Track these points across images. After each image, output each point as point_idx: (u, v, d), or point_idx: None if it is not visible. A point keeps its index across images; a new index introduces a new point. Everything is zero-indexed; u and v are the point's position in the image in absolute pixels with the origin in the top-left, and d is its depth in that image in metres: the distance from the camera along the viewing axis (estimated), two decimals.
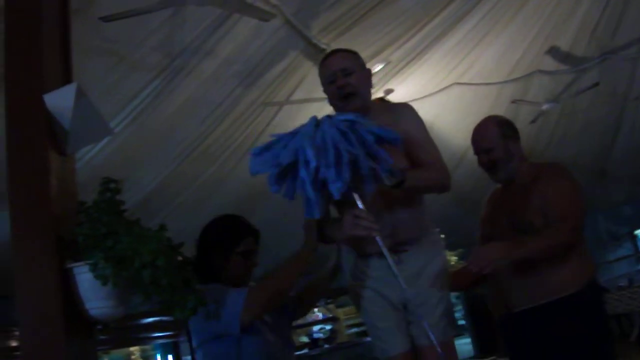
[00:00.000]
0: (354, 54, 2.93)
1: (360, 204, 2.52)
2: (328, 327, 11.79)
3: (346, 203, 2.59)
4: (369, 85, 2.91)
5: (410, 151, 2.78)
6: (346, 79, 2.79)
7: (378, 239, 2.52)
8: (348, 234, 2.57)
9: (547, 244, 2.89)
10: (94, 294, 2.01)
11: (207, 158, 6.84)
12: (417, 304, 2.73)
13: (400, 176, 2.55)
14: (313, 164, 2.27)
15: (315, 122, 2.43)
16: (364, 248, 2.84)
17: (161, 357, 10.38)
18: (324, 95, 2.91)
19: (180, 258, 2.12)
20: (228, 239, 2.83)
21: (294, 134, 2.41)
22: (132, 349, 9.85)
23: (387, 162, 2.43)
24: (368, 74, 2.95)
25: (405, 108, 3.00)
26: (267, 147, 2.43)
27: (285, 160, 2.33)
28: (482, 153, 3.22)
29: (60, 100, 2.09)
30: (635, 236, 14.15)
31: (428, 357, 2.72)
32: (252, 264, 2.87)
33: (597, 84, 8.05)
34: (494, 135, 3.19)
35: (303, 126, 2.44)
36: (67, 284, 2.00)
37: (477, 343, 11.78)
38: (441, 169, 2.85)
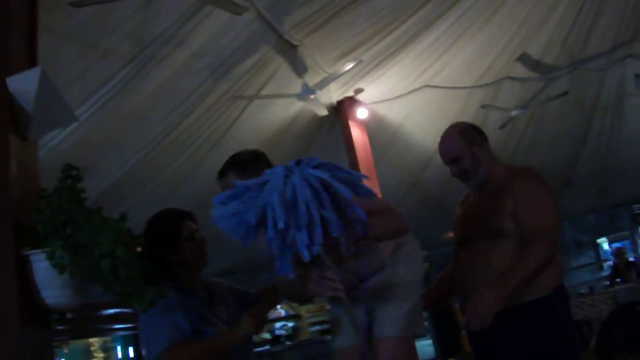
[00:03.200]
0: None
1: (327, 263, 2.46)
2: (290, 324, 11.80)
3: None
4: None
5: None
6: None
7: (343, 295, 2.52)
8: (314, 294, 2.54)
9: (531, 269, 2.88)
10: (50, 282, 1.97)
11: (175, 148, 6.80)
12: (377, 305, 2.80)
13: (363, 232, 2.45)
14: (281, 226, 2.10)
15: (285, 173, 2.22)
16: None
17: (121, 349, 10.29)
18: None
19: (140, 249, 2.09)
20: (170, 232, 2.79)
21: (262, 184, 2.23)
22: (91, 340, 9.75)
23: (360, 223, 2.29)
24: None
25: None
26: (233, 196, 2.26)
27: (253, 220, 2.17)
28: (451, 164, 3.21)
29: (23, 84, 2.05)
30: (598, 245, 14.37)
31: (379, 348, 2.75)
32: (202, 241, 2.85)
33: (566, 93, 8.14)
34: (458, 145, 3.17)
35: (272, 175, 2.23)
36: (24, 271, 1.97)
37: (439, 345, 11.85)
38: (391, 215, 2.74)
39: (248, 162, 2.72)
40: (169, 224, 2.83)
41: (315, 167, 2.24)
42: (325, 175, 2.18)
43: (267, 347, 10.91)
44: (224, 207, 2.24)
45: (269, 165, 2.70)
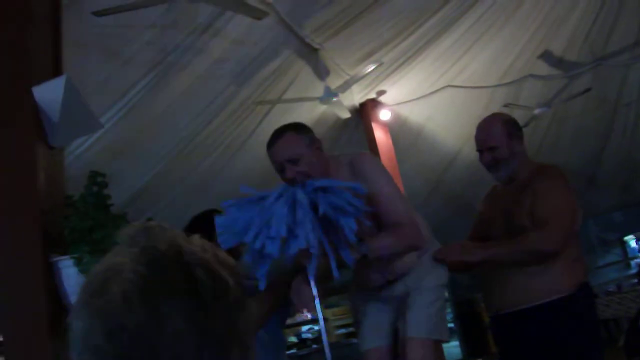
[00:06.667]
0: (296, 134, 2.72)
1: (310, 281, 2.51)
2: (317, 327, 11.79)
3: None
4: (320, 159, 2.71)
5: (375, 209, 2.64)
6: (295, 169, 2.63)
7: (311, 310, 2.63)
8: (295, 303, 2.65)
9: (518, 250, 2.89)
10: (79, 288, 1.99)
11: (198, 155, 6.83)
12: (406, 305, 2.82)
13: (363, 252, 2.53)
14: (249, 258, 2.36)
15: (280, 193, 2.43)
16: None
17: None
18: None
19: None
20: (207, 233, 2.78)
21: (263, 198, 2.43)
22: None
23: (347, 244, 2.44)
24: (317, 146, 2.74)
25: (363, 162, 2.79)
26: (238, 205, 2.45)
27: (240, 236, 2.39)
28: (486, 151, 3.14)
29: (49, 93, 2.08)
30: (625, 242, 14.21)
31: (407, 350, 2.76)
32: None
33: (589, 90, 8.07)
34: (499, 134, 3.10)
35: (275, 191, 2.46)
36: (53, 277, 1.99)
37: (466, 346, 11.80)
38: (408, 230, 2.70)
39: (300, 125, 2.83)
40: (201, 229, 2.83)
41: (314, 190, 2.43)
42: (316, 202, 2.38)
43: (294, 350, 10.93)
44: (228, 211, 2.43)
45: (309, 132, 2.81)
